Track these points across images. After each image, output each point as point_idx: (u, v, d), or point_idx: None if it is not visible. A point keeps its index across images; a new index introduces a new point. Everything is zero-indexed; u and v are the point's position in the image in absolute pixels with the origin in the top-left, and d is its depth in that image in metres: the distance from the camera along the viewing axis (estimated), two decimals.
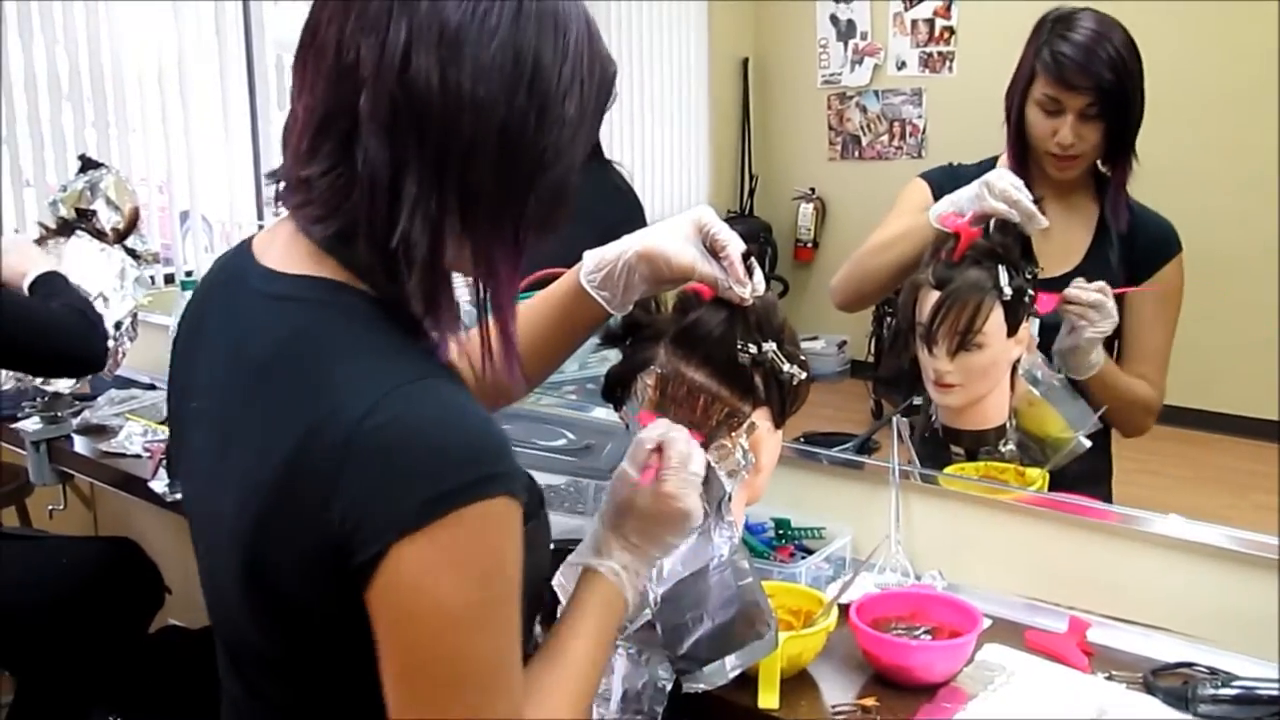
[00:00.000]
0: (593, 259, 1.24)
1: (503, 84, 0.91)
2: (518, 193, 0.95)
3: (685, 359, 1.26)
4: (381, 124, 0.90)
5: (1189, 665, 1.43)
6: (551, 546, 1.63)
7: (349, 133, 0.91)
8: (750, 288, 1.22)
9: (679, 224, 1.23)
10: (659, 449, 1.17)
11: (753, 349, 1.26)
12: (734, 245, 1.21)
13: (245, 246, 1.05)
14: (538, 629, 1.19)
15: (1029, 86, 1.83)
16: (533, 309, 1.28)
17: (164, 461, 2.05)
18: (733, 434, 1.26)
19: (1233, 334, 3.97)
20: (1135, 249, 1.89)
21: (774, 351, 1.28)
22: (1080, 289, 1.76)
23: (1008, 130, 1.88)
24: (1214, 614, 1.50)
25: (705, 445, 1.26)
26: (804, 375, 1.31)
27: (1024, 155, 1.86)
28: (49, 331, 2.06)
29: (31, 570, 2.15)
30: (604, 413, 1.39)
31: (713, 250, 1.22)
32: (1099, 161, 1.89)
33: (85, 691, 2.24)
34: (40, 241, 2.48)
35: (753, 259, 1.23)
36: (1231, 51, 4.19)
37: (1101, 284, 1.76)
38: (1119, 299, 1.78)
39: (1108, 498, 1.90)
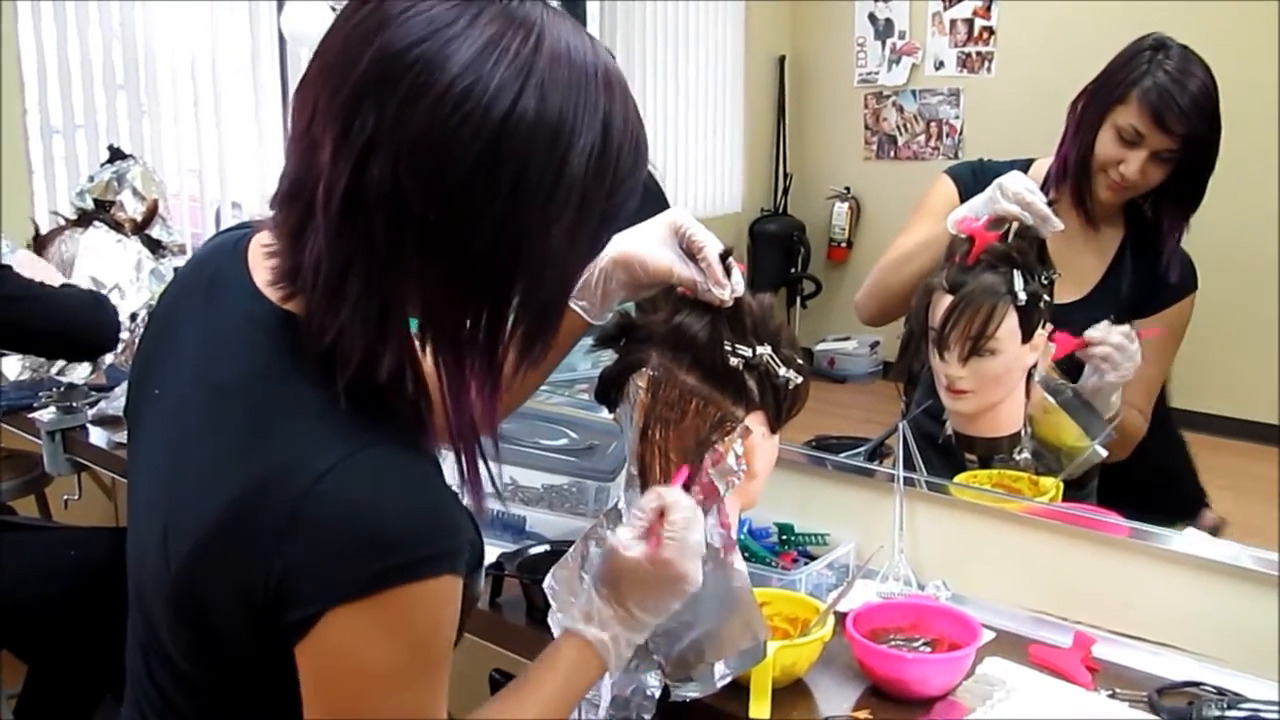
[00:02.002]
0: None
1: (465, 208, 0.83)
2: (485, 313, 0.89)
3: (676, 361, 1.23)
4: (331, 219, 0.84)
5: (1196, 685, 1.39)
6: (547, 548, 1.63)
7: (308, 209, 0.86)
8: (729, 289, 1.19)
9: (654, 227, 1.21)
10: (661, 513, 1.12)
11: (746, 352, 1.23)
12: (711, 246, 1.19)
13: (241, 247, 1.00)
14: None
15: (1113, 108, 1.74)
16: None
17: None
18: (725, 438, 1.24)
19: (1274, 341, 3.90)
20: (1150, 282, 1.83)
21: (769, 355, 1.25)
22: (1102, 332, 1.73)
23: (1069, 140, 1.80)
24: (1225, 632, 1.46)
25: (699, 450, 1.24)
26: (799, 380, 1.28)
27: (1078, 168, 1.78)
28: (59, 313, 2.10)
29: (39, 561, 2.16)
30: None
31: (690, 252, 1.20)
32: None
33: (95, 681, 2.24)
34: (58, 232, 2.49)
35: (731, 259, 1.20)
36: (1231, 53, 4.12)
37: (1126, 329, 1.73)
38: None
39: (1091, 497, 1.86)
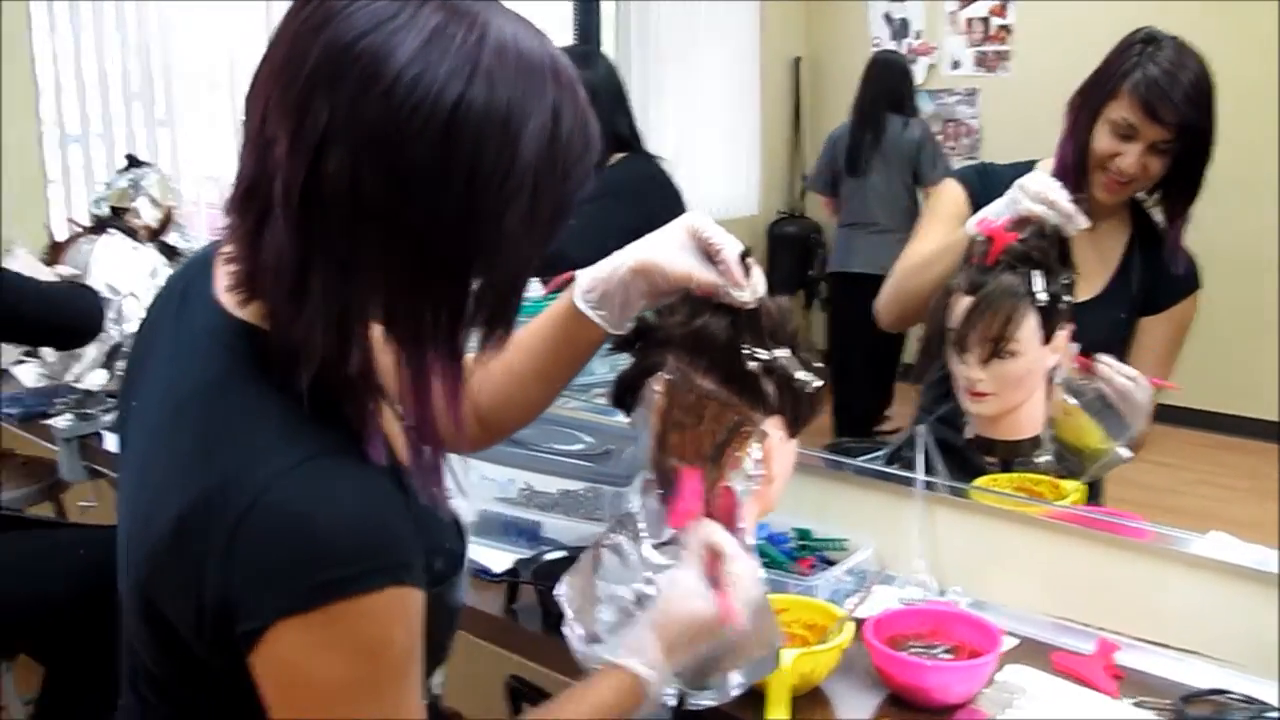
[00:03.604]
0: (587, 278, 1.20)
1: (424, 194, 0.84)
2: (445, 300, 0.89)
3: (693, 365, 1.22)
4: (290, 217, 0.84)
5: (1223, 693, 1.37)
6: (563, 554, 1.62)
7: (265, 209, 0.86)
8: (749, 290, 1.18)
9: (671, 232, 1.19)
10: (714, 555, 1.16)
11: (764, 356, 1.22)
12: (729, 248, 1.17)
13: (211, 257, 1.00)
14: (435, 679, 1.15)
15: (1106, 103, 1.74)
16: (530, 334, 1.24)
17: None
18: (743, 443, 1.22)
19: None
20: (1158, 279, 1.84)
21: (787, 359, 1.24)
22: (1112, 369, 1.73)
23: (1065, 139, 1.80)
24: (1252, 639, 1.43)
25: (717, 455, 1.23)
26: (818, 383, 1.26)
27: (1077, 168, 1.78)
28: (48, 301, 2.20)
29: (50, 560, 2.16)
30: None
31: (708, 255, 1.18)
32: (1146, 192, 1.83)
33: (113, 681, 2.24)
34: (73, 240, 2.50)
35: (751, 259, 1.19)
36: (1231, 48, 4.11)
37: (1135, 373, 1.74)
38: (1130, 326, 1.80)
39: (1097, 499, 1.86)
